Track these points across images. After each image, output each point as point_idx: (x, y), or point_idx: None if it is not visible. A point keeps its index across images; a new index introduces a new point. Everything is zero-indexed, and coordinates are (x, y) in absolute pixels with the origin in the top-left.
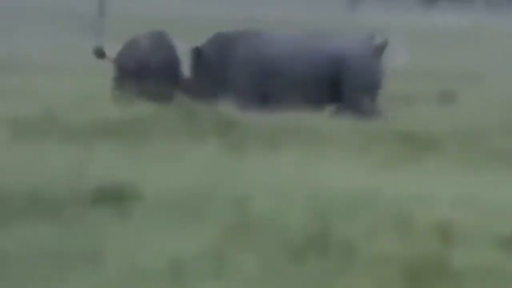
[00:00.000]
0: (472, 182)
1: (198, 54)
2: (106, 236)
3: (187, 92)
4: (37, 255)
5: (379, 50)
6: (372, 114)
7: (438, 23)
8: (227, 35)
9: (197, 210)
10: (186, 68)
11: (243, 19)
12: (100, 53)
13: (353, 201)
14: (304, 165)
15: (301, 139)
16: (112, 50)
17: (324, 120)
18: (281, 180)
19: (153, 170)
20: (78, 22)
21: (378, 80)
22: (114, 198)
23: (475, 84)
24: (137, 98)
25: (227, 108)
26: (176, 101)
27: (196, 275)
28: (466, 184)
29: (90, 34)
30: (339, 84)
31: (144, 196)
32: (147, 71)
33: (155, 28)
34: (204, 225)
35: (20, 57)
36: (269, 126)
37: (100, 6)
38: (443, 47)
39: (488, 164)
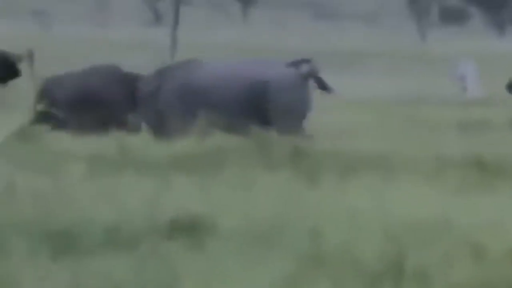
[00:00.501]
0: None
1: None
2: (181, 268)
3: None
4: (112, 287)
5: (306, 75)
6: (299, 135)
7: (509, 49)
8: (164, 67)
9: (271, 240)
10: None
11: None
12: None
13: (427, 228)
14: (376, 192)
15: (372, 166)
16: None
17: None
18: (354, 209)
19: (227, 201)
20: (154, 55)
21: (302, 103)
22: (189, 230)
23: None
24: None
25: (299, 137)
26: (249, 132)
27: None
28: None
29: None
30: (264, 107)
31: (218, 227)
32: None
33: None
34: (279, 255)
35: None
36: (340, 154)
37: (173, 39)
38: None
39: None
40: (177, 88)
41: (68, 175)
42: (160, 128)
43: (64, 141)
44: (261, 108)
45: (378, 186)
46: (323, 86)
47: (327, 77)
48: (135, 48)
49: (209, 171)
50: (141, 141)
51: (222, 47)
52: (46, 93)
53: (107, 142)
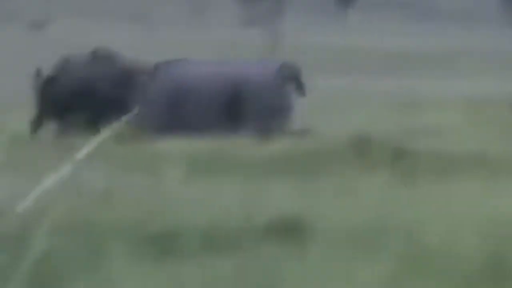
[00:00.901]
0: None
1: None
2: (280, 270)
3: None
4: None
5: (287, 75)
6: (275, 133)
7: None
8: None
9: (371, 241)
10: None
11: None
12: None
13: None
14: (475, 192)
15: (471, 166)
16: None
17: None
18: (453, 209)
19: (325, 203)
20: (251, 57)
21: (281, 102)
22: (287, 231)
23: None
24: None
25: (397, 138)
26: (348, 136)
27: None
28: None
29: None
30: (240, 105)
31: (316, 228)
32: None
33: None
34: (379, 255)
35: None
36: (438, 154)
37: (271, 40)
38: None
39: None
40: (163, 87)
41: (167, 177)
42: (144, 124)
43: (161, 142)
44: (238, 106)
45: (477, 185)
46: (300, 88)
47: (422, 77)
48: (233, 49)
49: (307, 172)
50: (239, 143)
51: (319, 48)
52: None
53: (204, 144)
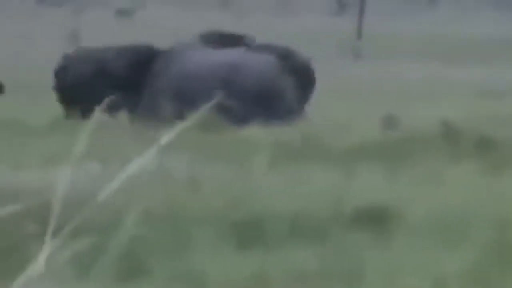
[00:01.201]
0: None
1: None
2: (366, 257)
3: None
4: (298, 277)
5: (287, 63)
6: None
7: None
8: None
9: (458, 230)
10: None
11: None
12: None
13: None
14: None
15: None
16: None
17: None
18: None
19: (413, 192)
20: (338, 45)
21: (275, 91)
22: (375, 220)
23: None
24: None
25: (484, 128)
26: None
27: None
28: None
29: (349, 56)
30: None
31: (404, 217)
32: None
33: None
34: (465, 245)
35: None
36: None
37: (358, 29)
38: None
39: None
40: (171, 75)
41: (253, 165)
42: (150, 111)
43: (246, 130)
44: (231, 92)
45: None
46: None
47: (505, 66)
48: (319, 38)
49: (395, 160)
50: (323, 129)
51: (407, 36)
52: None
53: (290, 131)
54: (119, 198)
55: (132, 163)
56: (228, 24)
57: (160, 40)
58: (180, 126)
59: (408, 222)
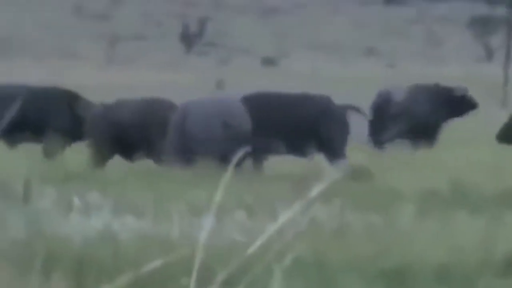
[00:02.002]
0: None
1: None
2: None
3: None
4: None
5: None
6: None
7: None
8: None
9: None
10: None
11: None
12: None
13: None
14: None
15: None
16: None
17: None
18: None
19: None
20: (486, 91)
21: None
22: None
23: None
24: None
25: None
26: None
27: None
28: None
29: (497, 103)
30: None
31: None
32: None
33: None
34: None
35: None
36: None
37: (504, 75)
38: None
39: None
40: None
41: (399, 213)
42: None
43: (391, 178)
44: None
45: None
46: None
47: None
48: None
49: None
50: (471, 175)
51: None
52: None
53: (437, 179)
54: (268, 248)
55: (282, 215)
56: (376, 72)
57: (303, 86)
58: (332, 177)
59: None
